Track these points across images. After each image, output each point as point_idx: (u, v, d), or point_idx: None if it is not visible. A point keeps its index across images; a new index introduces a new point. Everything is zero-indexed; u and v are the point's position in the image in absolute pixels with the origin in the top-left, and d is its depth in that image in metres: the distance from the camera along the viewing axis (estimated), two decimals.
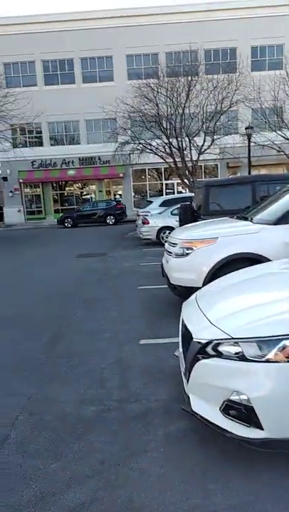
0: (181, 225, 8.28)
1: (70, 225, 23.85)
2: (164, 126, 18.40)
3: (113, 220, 23.64)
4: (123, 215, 24.51)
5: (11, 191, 29.09)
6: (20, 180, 28.65)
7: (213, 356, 2.35)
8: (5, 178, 28.88)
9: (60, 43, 27.20)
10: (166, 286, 5.77)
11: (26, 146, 26.68)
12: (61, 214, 25.70)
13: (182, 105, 17.98)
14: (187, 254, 4.99)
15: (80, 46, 27.27)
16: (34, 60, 27.88)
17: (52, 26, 27.24)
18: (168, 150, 18.74)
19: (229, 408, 2.27)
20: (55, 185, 30.12)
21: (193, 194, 12.72)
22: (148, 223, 13.20)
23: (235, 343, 2.27)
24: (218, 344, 2.34)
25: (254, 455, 2.40)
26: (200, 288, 4.41)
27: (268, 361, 2.14)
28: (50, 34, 27.20)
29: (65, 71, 28.28)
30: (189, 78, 18.07)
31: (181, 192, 27.80)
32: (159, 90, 18.36)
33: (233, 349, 2.28)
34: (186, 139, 18.41)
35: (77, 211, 24.83)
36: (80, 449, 2.63)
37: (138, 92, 18.62)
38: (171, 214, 12.85)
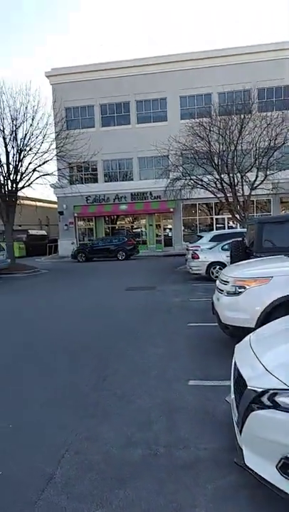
0: (232, 261, 8.13)
1: (83, 260, 24.49)
2: (216, 162, 18.57)
3: (123, 256, 23.98)
4: (134, 251, 24.86)
5: (66, 224, 30.53)
6: (75, 215, 30.05)
7: (269, 407, 2.20)
8: (61, 213, 30.48)
9: (117, 88, 29.04)
10: (216, 324, 5.60)
11: (82, 183, 28.16)
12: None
13: (234, 142, 18.12)
14: (240, 292, 4.84)
15: (135, 90, 28.91)
16: (93, 104, 29.91)
17: (111, 73, 29.27)
18: (219, 185, 18.80)
19: (287, 467, 2.08)
20: (107, 219, 31.20)
21: (244, 229, 12.54)
22: (198, 258, 13.11)
23: None
24: (275, 394, 2.19)
25: None
26: (252, 328, 4.24)
27: None
28: (109, 80, 29.20)
29: (121, 113, 29.93)
30: (242, 116, 18.27)
31: (231, 227, 27.52)
32: (212, 128, 18.72)
33: None
34: (238, 174, 18.40)
35: (90, 246, 25.53)
36: (125, 496, 2.52)
37: (190, 130, 19.11)
38: (222, 249, 12.68)
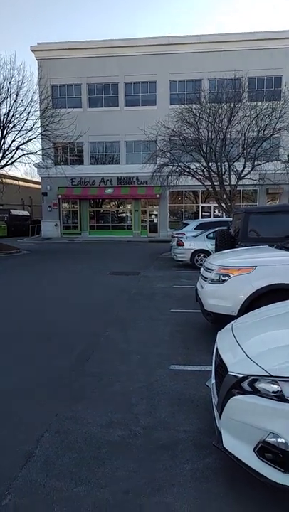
0: (217, 250, 8.19)
1: None
2: (204, 150, 18.50)
3: None
4: None
5: (50, 206, 30.07)
6: (59, 196, 29.59)
7: (249, 393, 2.25)
8: (45, 194, 29.96)
9: (106, 68, 28.36)
10: (199, 311, 5.67)
11: (67, 164, 27.63)
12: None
13: (223, 131, 18.05)
14: (223, 281, 4.90)
15: (125, 71, 28.30)
16: (81, 83, 29.16)
17: (100, 52, 28.51)
18: (206, 174, 18.78)
19: (265, 450, 2.14)
20: (92, 202, 30.84)
21: (230, 219, 12.62)
22: (183, 245, 13.17)
23: (274, 381, 2.16)
24: (255, 380, 2.24)
25: (286, 503, 2.25)
26: (235, 316, 4.31)
27: None
28: (98, 59, 28.46)
29: (110, 94, 29.32)
30: (232, 105, 18.18)
31: (217, 215, 27.66)
32: (201, 115, 18.57)
33: (271, 387, 2.17)
34: (226, 163, 18.41)
35: None
36: (104, 475, 2.57)
37: (180, 116, 18.91)
38: (207, 237, 12.77)
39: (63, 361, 4.62)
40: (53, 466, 2.67)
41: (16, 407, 3.52)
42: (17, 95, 18.44)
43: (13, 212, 32.95)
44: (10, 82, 18.36)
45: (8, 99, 18.32)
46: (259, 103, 18.82)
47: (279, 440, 2.07)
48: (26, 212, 36.23)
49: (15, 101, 18.43)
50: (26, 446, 2.89)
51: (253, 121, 18.10)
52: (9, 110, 18.40)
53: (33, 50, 29.18)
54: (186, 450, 2.81)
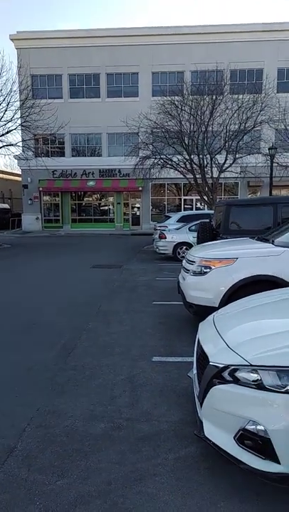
0: (198, 242, 8.24)
1: None
2: (186, 142, 18.49)
3: None
4: None
5: (31, 199, 29.57)
6: (40, 189, 29.12)
7: (229, 382, 2.29)
8: (25, 186, 29.43)
9: (87, 58, 27.90)
10: (181, 303, 5.70)
11: (48, 156, 27.19)
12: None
13: (205, 123, 18.07)
14: (205, 272, 4.94)
15: (106, 62, 27.92)
16: (61, 73, 28.64)
17: (81, 42, 28.01)
18: (188, 166, 18.81)
19: (244, 438, 2.19)
20: (74, 195, 30.50)
21: (212, 211, 12.71)
22: (165, 238, 13.19)
23: (254, 370, 2.20)
24: (236, 370, 2.27)
25: (265, 488, 2.31)
26: (216, 308, 4.35)
27: (287, 392, 2.06)
28: (79, 49, 27.96)
29: (91, 85, 28.90)
30: (214, 97, 18.20)
31: (199, 208, 27.79)
32: (183, 108, 18.54)
33: (251, 376, 2.20)
34: (208, 156, 18.46)
35: None
36: (86, 468, 2.57)
37: (162, 108, 18.82)
38: (189, 230, 12.82)
39: (45, 354, 4.58)
40: (35, 460, 2.66)
41: None
42: None
43: None
44: None
45: None
46: (241, 96, 18.90)
47: (258, 427, 2.11)
48: (6, 205, 35.53)
49: None
50: (8, 441, 2.87)
51: (235, 114, 18.17)
52: None
53: (12, 39, 28.43)
54: (168, 440, 2.84)
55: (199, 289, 4.97)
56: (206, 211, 16.85)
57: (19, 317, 6.32)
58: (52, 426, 3.06)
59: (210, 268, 4.91)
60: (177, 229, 13.53)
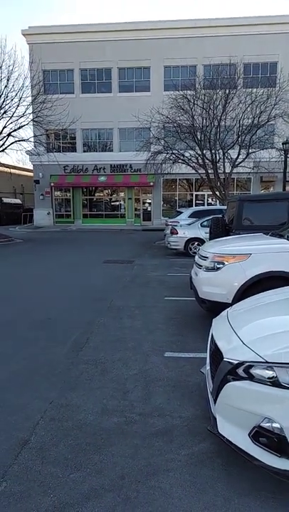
0: (211, 238, 8.18)
1: None
2: (199, 137, 18.32)
3: None
4: None
5: (42, 194, 29.76)
6: (52, 184, 29.26)
7: (244, 379, 2.26)
8: (37, 181, 29.60)
9: (99, 53, 27.81)
10: (193, 298, 5.67)
11: (60, 151, 27.28)
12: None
13: (218, 117, 17.87)
14: (218, 268, 4.89)
15: (118, 56, 27.79)
16: (73, 68, 28.61)
17: (92, 36, 27.91)
18: (201, 161, 18.65)
19: (259, 435, 2.16)
20: (85, 190, 30.57)
21: (224, 207, 12.60)
22: (177, 233, 13.14)
23: (269, 367, 2.17)
24: (251, 366, 2.25)
25: (281, 486, 2.28)
26: (229, 304, 4.32)
27: None
28: (91, 44, 27.87)
29: (103, 80, 28.83)
30: (227, 91, 17.97)
31: (210, 204, 27.61)
32: (196, 102, 18.35)
33: (266, 373, 2.18)
34: (220, 151, 18.27)
35: None
36: (100, 461, 2.58)
37: (174, 103, 18.66)
38: (201, 226, 12.75)
39: (58, 349, 4.61)
40: (49, 453, 2.68)
41: (10, 394, 3.51)
42: (8, 80, 18.07)
43: (5, 200, 32.60)
44: (0, 67, 17.97)
45: None
46: (254, 89, 18.63)
47: (274, 425, 2.09)
48: (18, 201, 35.87)
49: (6, 86, 18.08)
50: (21, 434, 2.89)
51: (248, 108, 17.91)
52: (0, 95, 18.05)
53: (24, 34, 28.50)
54: (181, 436, 2.83)
55: (212, 285, 4.93)
56: (218, 207, 16.71)
57: (32, 312, 6.37)
58: (65, 419, 3.08)
59: (223, 264, 4.87)
60: (189, 224, 13.46)
